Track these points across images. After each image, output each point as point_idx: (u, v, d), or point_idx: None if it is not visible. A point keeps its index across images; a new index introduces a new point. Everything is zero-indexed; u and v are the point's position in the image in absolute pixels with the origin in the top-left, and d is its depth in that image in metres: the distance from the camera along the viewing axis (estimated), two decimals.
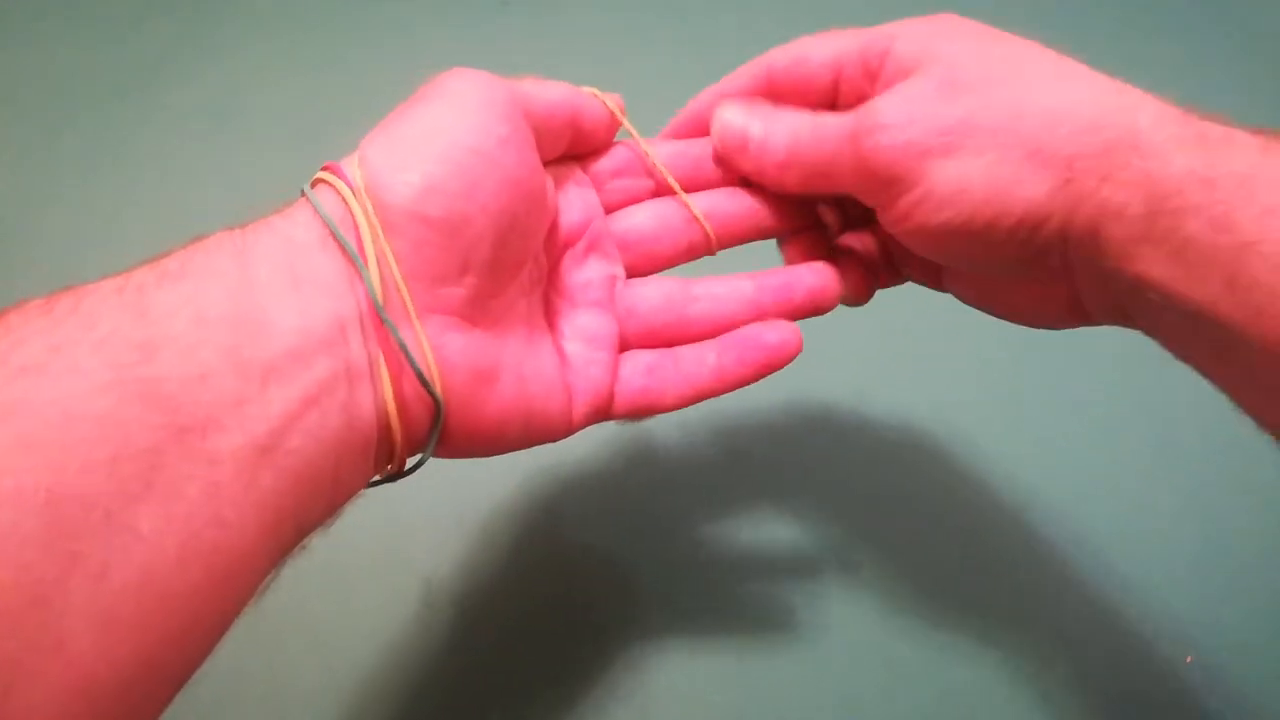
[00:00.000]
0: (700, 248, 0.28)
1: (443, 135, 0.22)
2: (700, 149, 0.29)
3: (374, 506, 0.37)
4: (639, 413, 0.27)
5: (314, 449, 0.19)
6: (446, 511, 0.37)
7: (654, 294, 0.28)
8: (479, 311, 0.23)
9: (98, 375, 0.16)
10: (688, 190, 0.28)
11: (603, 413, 0.26)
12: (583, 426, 0.26)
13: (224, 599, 0.18)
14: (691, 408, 0.27)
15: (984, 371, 0.42)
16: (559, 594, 0.36)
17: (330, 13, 0.57)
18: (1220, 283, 0.20)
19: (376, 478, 0.23)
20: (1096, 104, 0.23)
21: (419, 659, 0.34)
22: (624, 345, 0.27)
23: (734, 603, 0.36)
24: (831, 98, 0.28)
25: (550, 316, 0.27)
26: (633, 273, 0.28)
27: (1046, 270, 0.24)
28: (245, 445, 0.18)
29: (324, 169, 0.22)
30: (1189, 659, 0.34)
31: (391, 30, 0.56)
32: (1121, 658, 0.35)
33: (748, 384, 0.27)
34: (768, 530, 0.38)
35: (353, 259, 0.20)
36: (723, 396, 0.27)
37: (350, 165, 0.22)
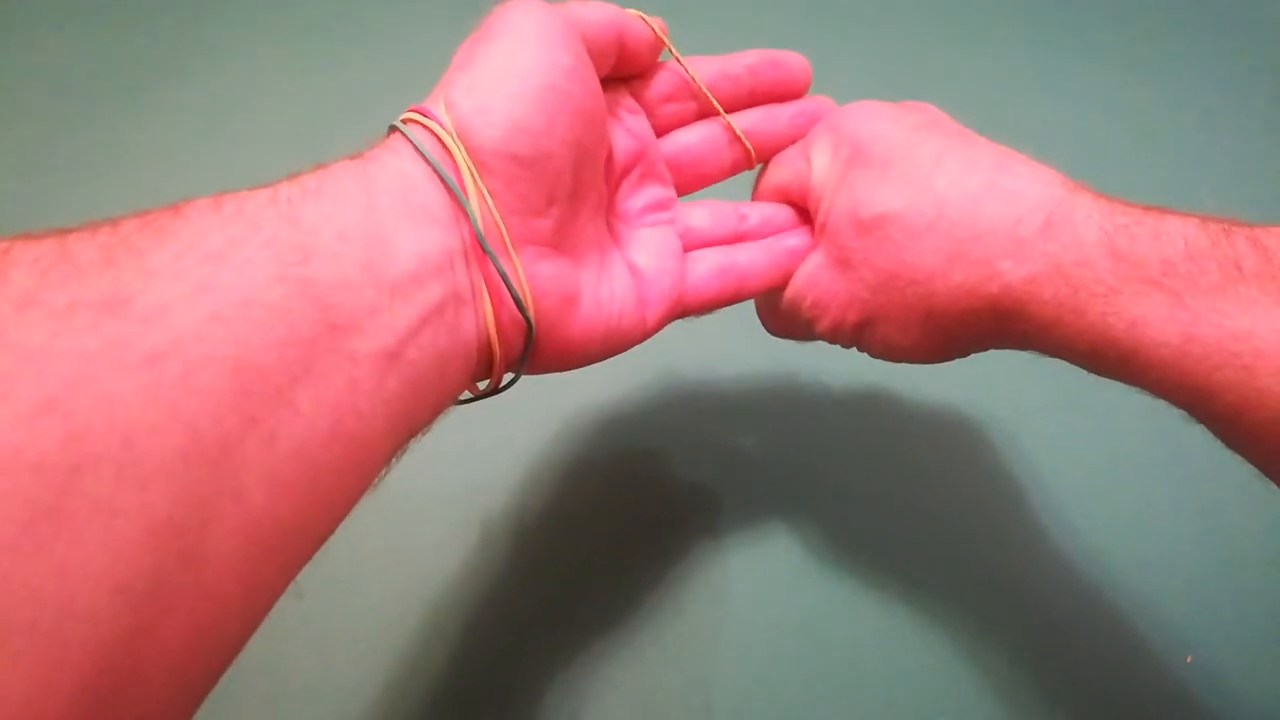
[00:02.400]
0: (742, 164, 0.32)
1: (518, 74, 0.23)
2: (738, 68, 0.31)
3: (373, 507, 0.37)
4: (709, 309, 0.30)
5: (428, 361, 0.21)
6: (448, 511, 0.37)
7: (705, 214, 0.31)
8: (562, 239, 0.25)
9: (268, 269, 0.18)
10: (728, 111, 0.31)
11: (677, 313, 0.29)
12: (660, 328, 0.29)
13: (356, 480, 0.20)
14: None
15: (984, 371, 0.42)
16: (558, 596, 0.36)
17: (330, 13, 0.57)
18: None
19: (471, 395, 0.25)
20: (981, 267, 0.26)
21: (419, 658, 0.34)
22: (687, 250, 0.30)
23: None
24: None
25: (616, 237, 0.29)
26: (681, 191, 0.31)
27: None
28: (378, 350, 0.20)
29: (413, 110, 0.23)
30: (1189, 659, 0.35)
31: (391, 30, 0.56)
32: (1122, 658, 0.35)
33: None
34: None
35: (457, 196, 0.22)
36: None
37: (437, 108, 0.23)
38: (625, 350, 0.28)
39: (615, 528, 0.38)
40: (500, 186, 0.23)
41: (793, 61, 0.31)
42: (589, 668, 0.34)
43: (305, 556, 0.19)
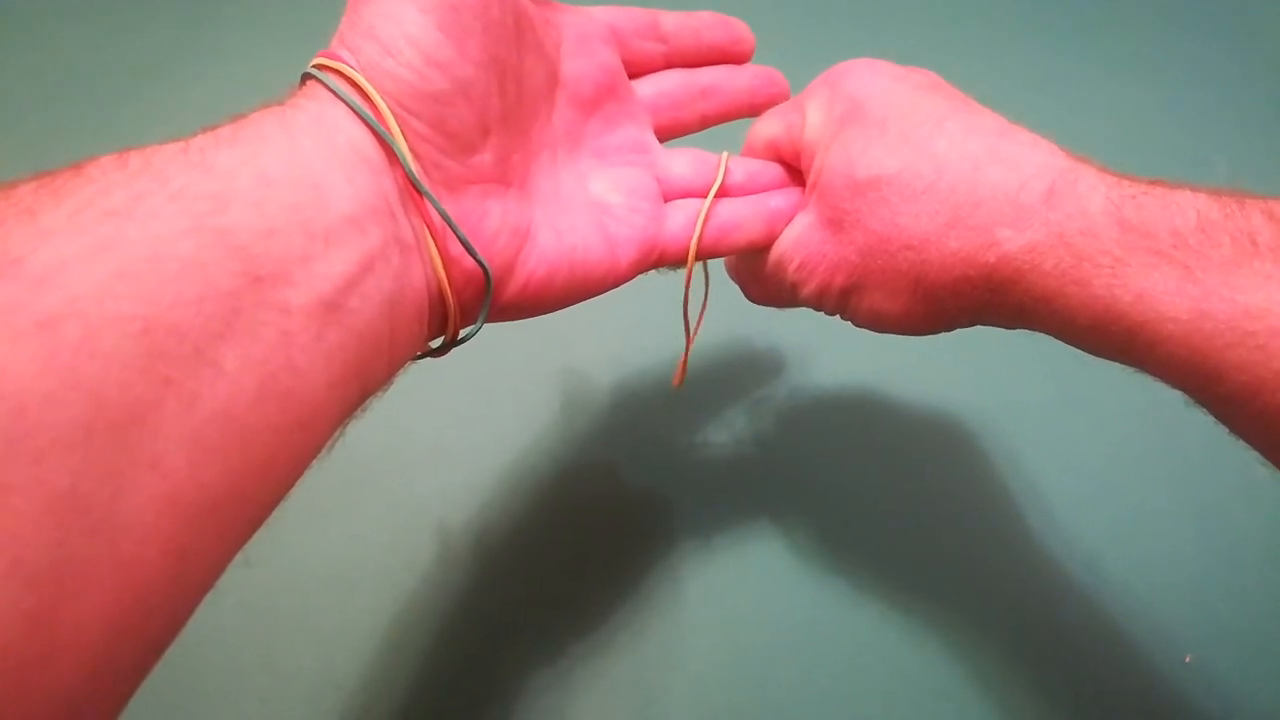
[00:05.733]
0: (712, 119, 0.31)
1: (413, 3, 0.22)
2: (698, 22, 0.31)
3: (375, 505, 0.37)
4: (687, 257, 0.29)
5: (373, 311, 0.20)
6: (449, 509, 0.37)
7: (688, 161, 0.30)
8: (508, 170, 0.24)
9: (178, 221, 0.17)
10: (687, 65, 0.31)
11: (655, 258, 0.28)
12: (635, 273, 0.28)
13: (298, 442, 0.19)
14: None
15: (985, 371, 0.42)
16: (558, 595, 0.36)
17: (331, 13, 0.57)
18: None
19: (437, 343, 0.24)
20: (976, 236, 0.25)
21: (419, 657, 0.34)
22: (667, 200, 0.29)
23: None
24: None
25: (587, 172, 0.28)
26: (661, 136, 0.30)
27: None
28: (313, 300, 0.19)
29: (322, 56, 0.22)
30: (1189, 659, 0.35)
31: None
32: (1122, 658, 0.35)
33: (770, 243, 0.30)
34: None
35: (385, 139, 0.21)
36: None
37: (345, 55, 0.22)
38: (598, 293, 0.27)
39: (599, 528, 0.38)
40: (427, 129, 0.22)
41: (739, 25, 0.31)
42: (584, 662, 0.34)
43: (248, 522, 0.18)
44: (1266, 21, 0.59)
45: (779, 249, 0.29)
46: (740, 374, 0.42)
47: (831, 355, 0.42)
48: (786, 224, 0.29)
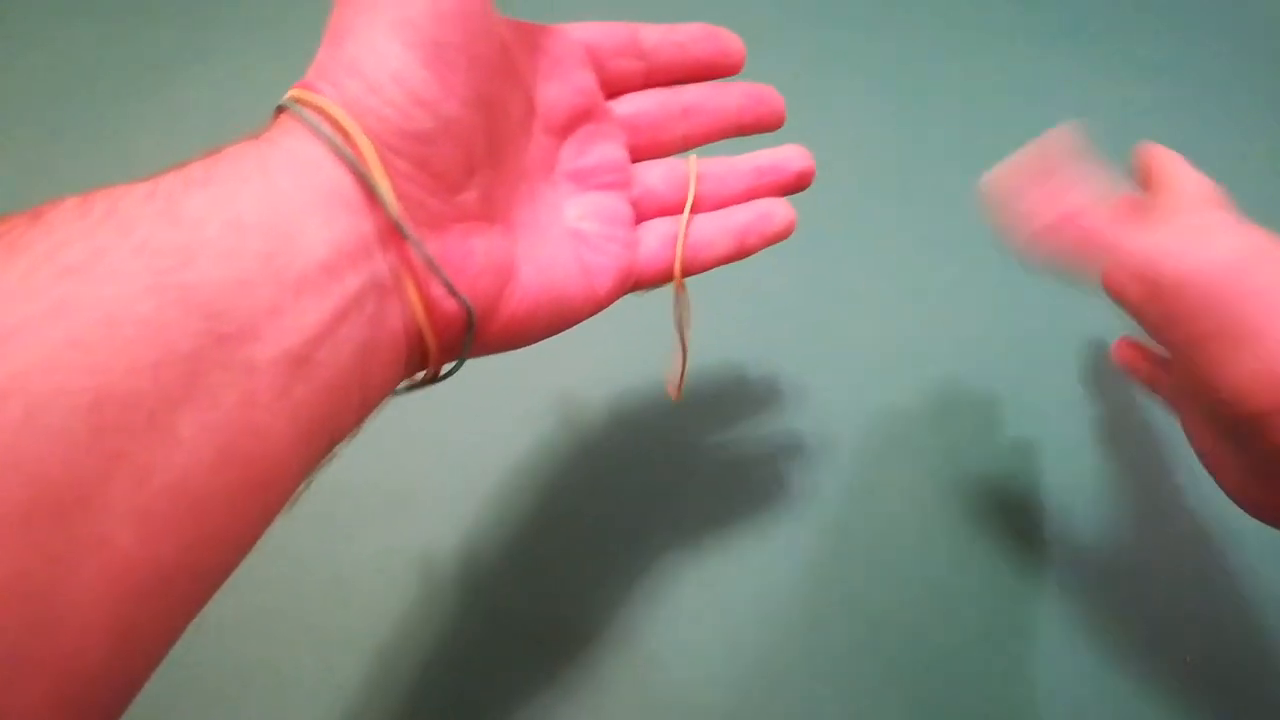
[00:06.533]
0: (696, 140, 0.30)
1: (399, 38, 0.20)
2: (682, 35, 0.29)
3: (376, 502, 0.37)
4: (663, 281, 0.29)
5: (345, 361, 0.19)
6: (447, 508, 0.37)
7: (661, 175, 0.29)
8: (492, 207, 0.23)
9: (139, 280, 0.16)
10: (673, 82, 0.30)
11: (631, 284, 0.28)
12: (612, 301, 0.27)
13: (259, 505, 0.18)
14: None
15: (986, 372, 0.42)
16: (555, 602, 0.36)
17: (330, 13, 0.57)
18: None
19: (417, 380, 0.23)
20: None
21: (420, 655, 0.34)
22: (640, 220, 0.29)
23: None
24: None
25: (561, 200, 0.27)
26: (638, 156, 0.29)
27: None
28: (281, 355, 0.18)
29: (299, 87, 0.21)
30: (1189, 659, 0.35)
31: None
32: (1122, 657, 0.35)
33: (754, 253, 0.30)
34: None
35: (365, 180, 0.20)
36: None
37: (325, 89, 0.20)
38: (577, 322, 0.26)
39: (595, 533, 0.38)
40: (410, 168, 0.21)
41: (729, 37, 0.30)
42: (581, 666, 0.34)
43: (202, 593, 0.18)
44: (1266, 21, 0.59)
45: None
46: (730, 389, 0.42)
47: (823, 373, 0.42)
48: (759, 236, 0.30)
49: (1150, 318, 0.27)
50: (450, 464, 0.38)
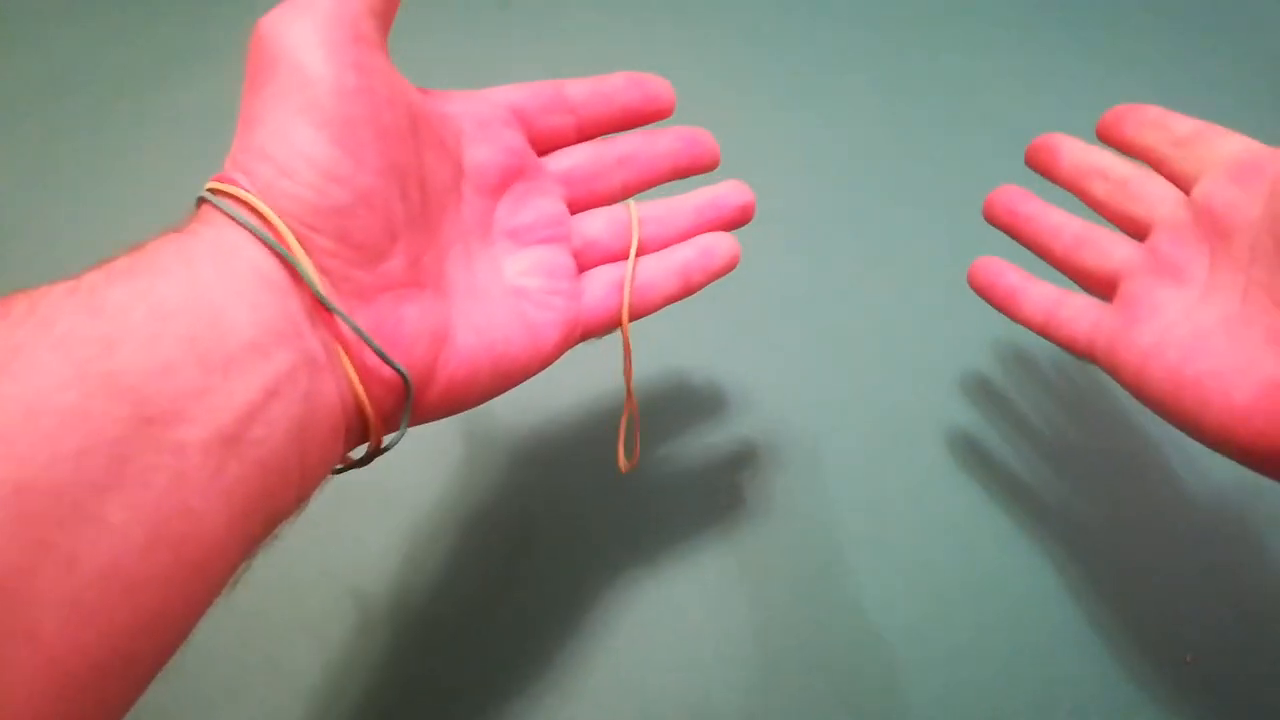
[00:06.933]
0: (633, 188, 0.31)
1: (305, 120, 0.21)
2: (609, 86, 0.29)
3: (374, 504, 0.37)
4: (610, 329, 0.29)
5: (279, 438, 0.19)
6: (449, 505, 0.37)
7: (603, 223, 0.30)
8: (421, 272, 0.23)
9: (60, 372, 0.16)
10: (604, 132, 0.30)
11: (579, 334, 0.28)
12: (561, 352, 0.28)
13: (194, 588, 0.18)
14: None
15: (987, 373, 0.42)
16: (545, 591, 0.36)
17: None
18: None
19: (358, 455, 0.23)
20: None
21: (419, 655, 0.34)
22: (587, 269, 0.29)
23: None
24: None
25: (500, 258, 0.27)
26: (579, 208, 0.30)
27: None
28: (210, 436, 0.18)
29: (217, 180, 0.21)
30: (1189, 659, 0.34)
31: (393, 33, 0.56)
32: (1122, 658, 0.35)
33: (700, 289, 0.30)
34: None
35: (288, 261, 0.20)
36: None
37: (240, 179, 0.21)
38: (525, 379, 0.27)
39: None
40: (331, 243, 0.21)
41: (655, 82, 0.30)
42: (579, 669, 0.34)
43: (137, 681, 0.17)
44: (1266, 21, 0.59)
45: None
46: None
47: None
48: (703, 272, 0.30)
49: None
50: (452, 461, 0.38)
